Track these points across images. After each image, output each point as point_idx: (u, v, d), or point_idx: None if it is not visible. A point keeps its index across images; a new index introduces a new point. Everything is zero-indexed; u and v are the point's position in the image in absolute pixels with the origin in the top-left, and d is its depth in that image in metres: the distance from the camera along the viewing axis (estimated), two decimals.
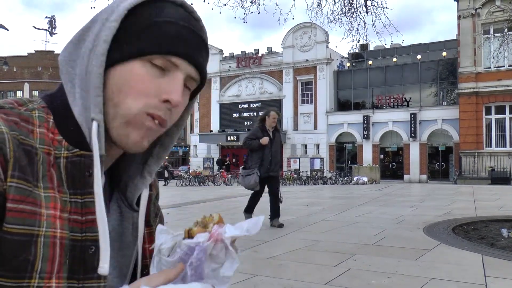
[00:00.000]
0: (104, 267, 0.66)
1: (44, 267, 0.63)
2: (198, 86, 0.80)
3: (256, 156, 6.82)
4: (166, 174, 29.86)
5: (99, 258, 0.68)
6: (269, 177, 6.84)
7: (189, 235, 0.71)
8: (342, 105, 33.60)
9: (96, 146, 0.68)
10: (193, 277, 0.70)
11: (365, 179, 24.73)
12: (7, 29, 14.99)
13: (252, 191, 7.00)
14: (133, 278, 0.84)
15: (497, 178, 22.79)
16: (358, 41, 8.92)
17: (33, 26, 55.31)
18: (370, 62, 33.56)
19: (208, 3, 8.38)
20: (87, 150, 0.69)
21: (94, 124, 0.68)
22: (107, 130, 0.71)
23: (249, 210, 6.99)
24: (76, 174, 0.68)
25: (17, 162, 0.62)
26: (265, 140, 6.76)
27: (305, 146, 33.73)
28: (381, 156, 31.36)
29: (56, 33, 57.60)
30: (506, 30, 13.13)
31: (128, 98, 0.70)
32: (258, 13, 8.45)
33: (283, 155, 7.66)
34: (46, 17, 58.66)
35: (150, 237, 0.85)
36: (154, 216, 0.90)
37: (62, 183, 0.67)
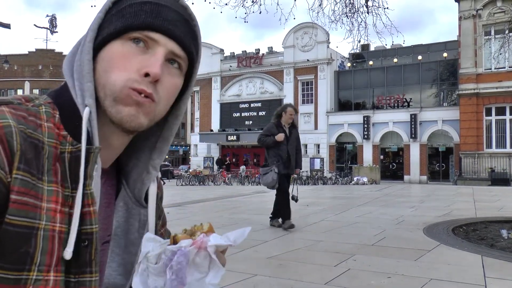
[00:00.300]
0: (67, 251, 0.66)
1: (43, 260, 0.63)
2: (191, 68, 0.81)
3: (272, 153, 6.54)
4: (159, 175, 29.86)
5: (91, 252, 0.69)
6: (288, 174, 6.62)
7: (174, 241, 0.71)
8: (343, 105, 33.59)
9: (85, 129, 0.69)
10: (174, 282, 0.70)
11: (365, 179, 24.73)
12: (9, 27, 14.91)
13: (275, 195, 6.64)
14: None
15: (497, 179, 22.79)
16: (359, 41, 8.91)
17: (34, 25, 55.30)
18: (370, 62, 33.55)
19: (210, 3, 8.36)
20: (89, 144, 0.70)
21: (86, 109, 0.70)
22: (105, 113, 0.74)
23: (279, 215, 6.53)
24: (77, 169, 0.69)
25: (24, 155, 0.63)
26: (280, 137, 6.47)
27: (305, 146, 33.69)
28: (381, 157, 31.35)
29: (56, 32, 57.76)
30: (507, 32, 13.13)
31: (112, 75, 0.72)
32: (260, 13, 8.45)
33: (300, 152, 7.35)
34: (47, 16, 58.66)
35: None
36: (157, 218, 0.90)
37: (66, 178, 0.68)
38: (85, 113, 0.70)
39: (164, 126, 0.84)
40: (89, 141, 0.70)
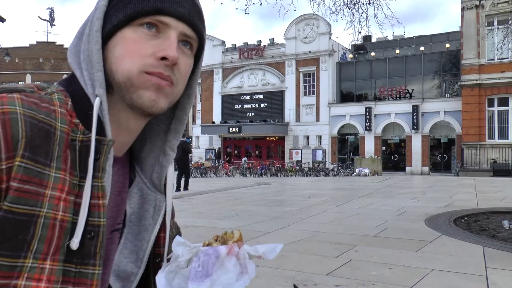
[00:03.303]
0: (74, 241, 0.66)
1: (40, 248, 0.63)
2: (200, 47, 0.82)
3: None
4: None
5: (96, 244, 0.69)
6: None
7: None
8: (345, 97, 33.49)
9: (96, 119, 0.69)
10: (199, 273, 0.70)
11: (367, 170, 24.74)
12: (4, 20, 14.75)
13: None
14: (147, 269, 0.84)
15: (499, 170, 22.79)
16: (360, 32, 8.86)
17: (39, 17, 55.22)
18: (372, 53, 33.37)
19: None
20: (102, 135, 0.70)
21: (97, 99, 0.71)
22: (122, 99, 0.74)
23: None
24: (88, 158, 0.69)
25: (29, 142, 0.62)
26: None
27: (307, 137, 33.69)
28: (383, 148, 31.32)
29: (54, 25, 57.46)
30: (510, 22, 13.02)
31: (126, 61, 0.73)
32: (260, 4, 8.42)
33: None
34: (48, 8, 58.45)
35: (164, 226, 0.86)
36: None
37: (75, 166, 0.68)
38: (95, 104, 0.70)
39: (176, 107, 0.85)
40: (102, 131, 0.70)
